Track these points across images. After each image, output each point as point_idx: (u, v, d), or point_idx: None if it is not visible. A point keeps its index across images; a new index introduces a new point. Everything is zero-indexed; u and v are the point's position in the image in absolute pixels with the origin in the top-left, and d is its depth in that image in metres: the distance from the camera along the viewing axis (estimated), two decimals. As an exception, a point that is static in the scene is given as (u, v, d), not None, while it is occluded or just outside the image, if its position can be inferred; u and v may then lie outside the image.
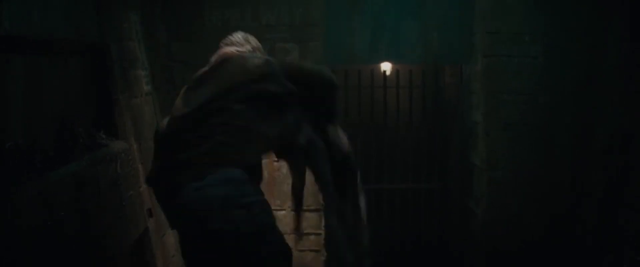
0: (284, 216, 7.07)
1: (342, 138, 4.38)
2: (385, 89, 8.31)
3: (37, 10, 4.06)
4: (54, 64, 4.63)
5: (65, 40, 4.53)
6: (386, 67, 8.67)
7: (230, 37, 4.37)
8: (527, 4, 6.93)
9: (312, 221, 7.17)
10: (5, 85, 3.98)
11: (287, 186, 7.06)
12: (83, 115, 5.08)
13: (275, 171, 7.06)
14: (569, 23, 6.93)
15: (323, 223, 7.20)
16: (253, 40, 4.43)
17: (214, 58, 4.23)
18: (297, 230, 5.38)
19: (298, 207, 4.73)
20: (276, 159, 6.72)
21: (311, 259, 7.24)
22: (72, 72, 4.93)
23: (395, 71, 8.61)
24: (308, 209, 7.12)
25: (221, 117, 3.75)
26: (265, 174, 6.99)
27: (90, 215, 4.34)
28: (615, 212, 6.47)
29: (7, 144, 3.91)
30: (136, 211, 5.38)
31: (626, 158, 6.41)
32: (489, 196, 7.09)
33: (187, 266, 3.79)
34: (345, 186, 4.42)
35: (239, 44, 4.32)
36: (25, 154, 3.99)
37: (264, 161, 6.96)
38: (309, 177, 4.37)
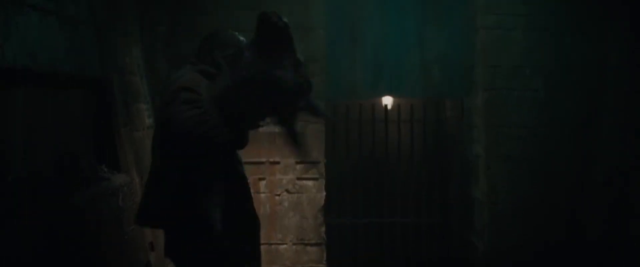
0: (285, 250, 7.07)
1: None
2: (386, 123, 8.31)
3: (40, 43, 4.08)
4: (56, 97, 4.64)
5: (67, 74, 4.55)
6: (387, 101, 8.68)
7: None
8: (528, 38, 6.97)
9: (314, 255, 7.16)
10: (7, 117, 3.99)
11: (288, 220, 7.06)
12: (85, 148, 5.09)
13: (277, 205, 7.07)
14: (570, 57, 6.97)
15: (324, 258, 7.20)
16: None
17: None
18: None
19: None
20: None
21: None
22: (74, 106, 4.95)
23: (396, 105, 8.62)
24: (309, 243, 7.12)
25: None
26: (267, 208, 7.02)
27: (92, 248, 4.34)
28: (617, 244, 6.47)
29: (9, 177, 3.91)
30: (138, 245, 5.37)
31: (627, 190, 6.42)
32: (490, 229, 7.09)
33: None
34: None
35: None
36: (27, 186, 4.00)
37: (266, 195, 7.00)
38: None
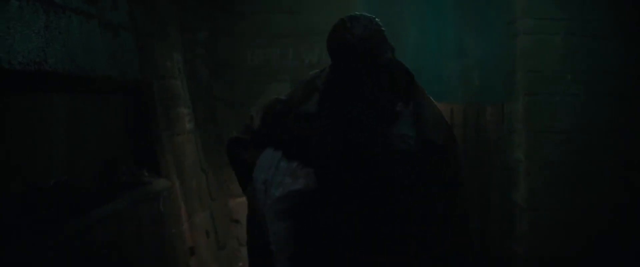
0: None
1: None
2: (426, 128, 8.28)
3: (81, 48, 4.12)
4: (96, 101, 4.68)
5: (108, 78, 4.58)
6: (427, 107, 8.66)
7: None
8: (568, 42, 6.92)
9: None
10: (48, 122, 4.02)
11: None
12: (126, 152, 5.12)
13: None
14: (610, 62, 6.91)
15: None
16: None
17: None
18: None
19: None
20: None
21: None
22: (114, 110, 4.99)
23: (436, 111, 8.59)
24: None
25: None
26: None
27: (132, 254, 4.36)
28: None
29: (50, 181, 3.95)
30: (178, 250, 5.39)
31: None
32: (530, 236, 7.04)
33: None
34: None
35: None
36: (68, 191, 4.03)
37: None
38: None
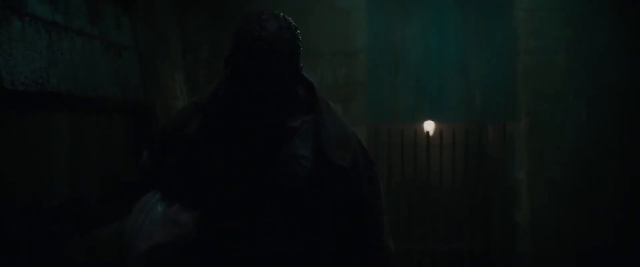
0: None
1: None
2: (428, 148, 8.28)
3: (84, 69, 4.13)
4: (99, 122, 4.68)
5: (110, 99, 4.59)
6: (429, 126, 8.65)
7: None
8: (570, 62, 6.94)
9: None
10: (51, 142, 4.03)
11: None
12: (128, 172, 5.12)
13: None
14: (613, 81, 6.92)
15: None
16: None
17: None
18: None
19: None
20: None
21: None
22: (117, 130, 4.99)
23: (438, 129, 8.60)
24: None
25: None
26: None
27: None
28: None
29: (54, 201, 3.95)
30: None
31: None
32: (533, 256, 7.03)
33: None
34: None
35: None
36: (71, 211, 4.03)
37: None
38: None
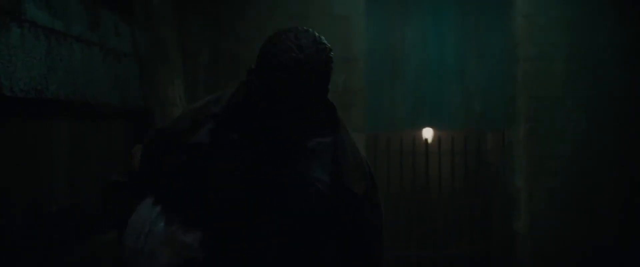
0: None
1: None
2: (427, 155, 8.28)
3: (83, 75, 4.12)
4: (99, 128, 4.68)
5: (110, 106, 4.58)
6: (428, 133, 8.65)
7: None
8: (569, 69, 6.94)
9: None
10: (51, 148, 4.02)
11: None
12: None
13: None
14: (612, 88, 6.92)
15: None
16: None
17: None
18: None
19: None
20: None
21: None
22: (117, 137, 4.98)
23: (437, 137, 8.59)
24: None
25: None
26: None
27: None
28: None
29: (53, 208, 3.94)
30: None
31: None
32: (532, 261, 7.02)
33: None
34: None
35: None
36: (71, 217, 4.02)
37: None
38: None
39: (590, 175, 6.96)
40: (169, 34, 6.21)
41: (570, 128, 6.96)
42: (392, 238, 8.31)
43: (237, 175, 2.71)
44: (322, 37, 2.75)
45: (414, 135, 8.31)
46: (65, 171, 4.20)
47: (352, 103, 7.09)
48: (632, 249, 6.88)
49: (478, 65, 7.51)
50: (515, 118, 7.29)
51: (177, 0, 6.52)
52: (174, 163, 2.76)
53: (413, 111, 7.55)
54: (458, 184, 8.53)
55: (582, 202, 6.98)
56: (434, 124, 7.88)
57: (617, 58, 6.96)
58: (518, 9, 7.12)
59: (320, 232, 2.76)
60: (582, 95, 6.95)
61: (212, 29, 7.03)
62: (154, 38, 5.74)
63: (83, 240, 3.89)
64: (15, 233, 3.49)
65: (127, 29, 5.07)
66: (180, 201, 2.73)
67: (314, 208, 2.73)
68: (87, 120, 4.51)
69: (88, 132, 4.53)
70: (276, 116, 2.64)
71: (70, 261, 3.61)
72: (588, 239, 6.98)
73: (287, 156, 2.74)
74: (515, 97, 7.22)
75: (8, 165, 3.52)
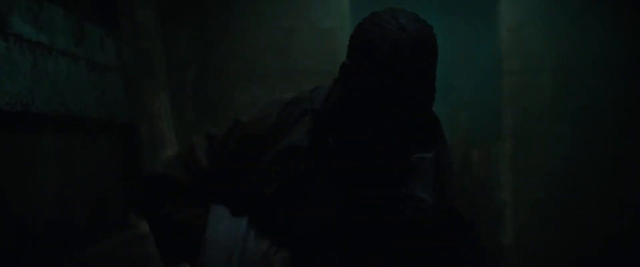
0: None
1: None
2: (413, 168, 8.28)
3: (69, 89, 4.12)
4: (85, 143, 4.67)
5: (96, 120, 4.58)
6: (414, 146, 8.65)
7: None
8: (556, 82, 6.95)
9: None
10: (37, 162, 4.01)
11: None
12: (114, 194, 5.10)
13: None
14: (599, 101, 6.93)
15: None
16: None
17: None
18: None
19: None
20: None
21: None
22: (103, 151, 4.97)
23: (423, 151, 8.58)
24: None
25: None
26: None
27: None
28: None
29: (41, 221, 3.93)
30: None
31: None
32: (519, 276, 7.03)
33: None
34: None
35: None
36: (61, 230, 4.01)
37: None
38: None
39: (576, 188, 6.96)
40: (154, 48, 6.20)
41: (556, 142, 6.97)
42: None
43: (337, 190, 2.34)
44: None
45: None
46: (52, 186, 4.19)
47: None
48: (616, 261, 6.89)
49: (464, 79, 7.52)
50: (501, 132, 7.29)
51: (163, 15, 6.51)
52: (262, 171, 2.35)
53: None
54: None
55: (568, 216, 6.98)
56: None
57: (605, 71, 6.97)
58: (504, 23, 7.13)
59: (425, 259, 2.39)
60: (568, 108, 6.96)
61: (199, 45, 7.01)
62: (140, 52, 5.73)
63: (72, 252, 3.88)
64: (2, 247, 3.48)
65: (113, 43, 5.07)
66: (271, 215, 2.35)
67: (419, 232, 2.36)
68: (73, 135, 4.49)
69: (74, 146, 4.52)
70: (380, 126, 2.19)
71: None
72: (573, 251, 6.98)
73: (393, 173, 2.33)
74: (502, 111, 7.22)
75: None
